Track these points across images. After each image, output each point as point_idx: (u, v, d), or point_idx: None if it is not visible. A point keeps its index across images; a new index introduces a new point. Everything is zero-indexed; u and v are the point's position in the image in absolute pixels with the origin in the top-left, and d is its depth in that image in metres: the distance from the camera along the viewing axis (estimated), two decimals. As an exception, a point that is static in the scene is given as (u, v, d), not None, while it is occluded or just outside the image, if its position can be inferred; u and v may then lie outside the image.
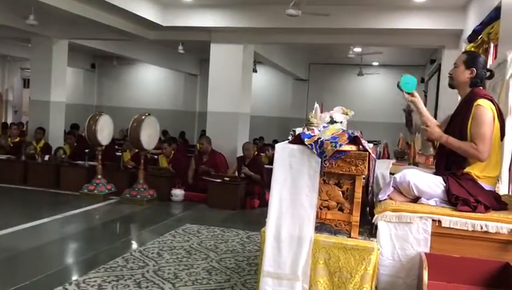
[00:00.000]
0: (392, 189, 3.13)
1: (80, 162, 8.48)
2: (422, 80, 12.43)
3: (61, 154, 8.61)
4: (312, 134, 2.97)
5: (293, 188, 2.83)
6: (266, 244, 2.80)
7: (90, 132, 7.69)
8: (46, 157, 8.64)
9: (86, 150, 8.61)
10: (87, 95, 16.87)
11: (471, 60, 3.16)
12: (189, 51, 12.19)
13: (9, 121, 15.01)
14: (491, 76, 3.24)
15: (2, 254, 4.68)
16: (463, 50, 6.62)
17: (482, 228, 2.79)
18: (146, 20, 8.13)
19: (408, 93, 3.29)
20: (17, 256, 4.68)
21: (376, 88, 14.64)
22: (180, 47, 11.00)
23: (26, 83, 15.76)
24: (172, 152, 8.51)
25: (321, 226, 2.94)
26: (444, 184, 2.99)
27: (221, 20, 8.33)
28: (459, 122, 3.10)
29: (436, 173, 3.17)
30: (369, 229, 3.09)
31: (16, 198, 7.61)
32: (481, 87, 3.15)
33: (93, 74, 16.95)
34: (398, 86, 3.31)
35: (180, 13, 8.45)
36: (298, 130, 3.38)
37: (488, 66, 3.48)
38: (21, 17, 7.92)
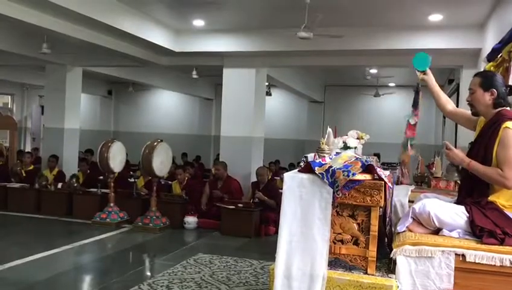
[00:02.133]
0: (411, 220, 2.91)
1: (92, 189, 8.41)
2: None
3: (73, 183, 8.54)
4: (323, 162, 2.80)
5: (304, 221, 2.65)
6: (276, 283, 2.62)
7: (102, 159, 7.63)
8: (60, 185, 8.58)
9: (100, 177, 8.54)
10: (104, 121, 17.00)
11: (488, 81, 2.96)
12: (203, 76, 12.18)
13: (27, 148, 15.15)
14: None
15: (15, 286, 4.60)
16: (482, 69, 6.41)
17: (511, 262, 2.56)
18: (159, 46, 8.12)
19: (421, 72, 3.16)
20: (28, 289, 4.60)
21: (393, 109, 14.40)
22: (194, 72, 10.98)
23: (43, 110, 15.92)
24: (186, 178, 8.38)
25: (335, 262, 2.74)
26: (467, 214, 2.77)
27: (233, 44, 8.28)
28: (484, 146, 2.88)
29: (457, 202, 2.96)
30: (387, 263, 2.88)
31: (29, 227, 7.54)
32: (507, 108, 2.94)
33: (110, 100, 17.10)
34: (413, 64, 3.22)
35: (192, 39, 8.42)
36: (310, 157, 3.21)
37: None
38: (35, 45, 7.97)
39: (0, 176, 8.96)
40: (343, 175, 2.60)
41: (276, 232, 7.16)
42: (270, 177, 8.95)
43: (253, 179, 8.27)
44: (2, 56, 9.19)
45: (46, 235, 6.94)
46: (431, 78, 3.17)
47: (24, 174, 9.14)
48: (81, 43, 7.62)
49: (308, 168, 2.74)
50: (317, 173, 2.66)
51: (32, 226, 7.62)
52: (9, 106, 16.58)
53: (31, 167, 9.40)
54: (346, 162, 2.72)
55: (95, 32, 7.32)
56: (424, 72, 3.17)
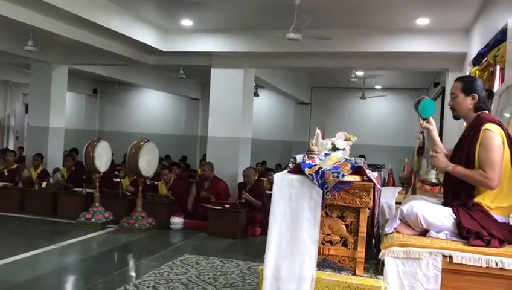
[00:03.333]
0: (399, 222, 2.94)
1: (77, 189, 8.31)
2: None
3: (58, 177, 8.45)
4: (313, 163, 2.81)
5: (293, 222, 2.65)
6: (264, 284, 2.61)
7: (88, 158, 7.55)
8: (44, 184, 8.48)
9: (84, 177, 8.45)
10: (89, 120, 16.82)
11: (469, 86, 3.01)
12: (190, 76, 12.13)
13: (11, 147, 14.93)
14: (492, 95, 3.10)
15: (-3, 287, 4.53)
16: (468, 73, 6.49)
17: (497, 264, 2.59)
18: (146, 45, 8.07)
19: (424, 119, 3.15)
20: (12, 289, 4.52)
21: (379, 111, 14.53)
22: (181, 72, 10.93)
23: (27, 109, 15.72)
24: (173, 178, 8.34)
25: (323, 263, 2.75)
26: (454, 216, 2.80)
27: (221, 45, 8.26)
28: (466, 148, 2.92)
29: (444, 204, 2.99)
30: (375, 264, 2.90)
31: (12, 227, 7.43)
32: (486, 111, 3.00)
33: (95, 99, 16.92)
34: (415, 108, 3.17)
35: (180, 38, 8.38)
36: (299, 158, 3.21)
37: (495, 90, 3.33)
38: (20, 43, 7.86)
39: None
40: (333, 176, 2.60)
41: (262, 233, 7.22)
42: (256, 178, 8.95)
43: (240, 179, 8.26)
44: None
45: (30, 235, 6.84)
46: (433, 127, 3.17)
47: (6, 173, 9.00)
48: (67, 41, 7.54)
49: (298, 169, 2.74)
50: (307, 174, 2.67)
51: (15, 225, 7.51)
52: (-8, 104, 16.34)
53: (14, 166, 9.25)
54: (336, 164, 2.73)
55: (82, 30, 7.24)
56: (427, 120, 3.16)
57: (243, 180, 8.04)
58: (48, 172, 9.08)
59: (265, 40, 7.91)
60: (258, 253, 6.00)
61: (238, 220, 7.16)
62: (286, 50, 7.76)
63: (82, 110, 16.78)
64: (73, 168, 9.09)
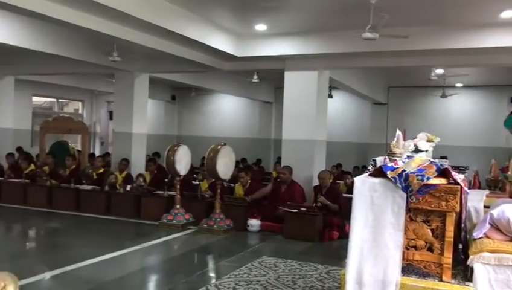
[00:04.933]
0: (488, 226, 2.79)
1: (159, 192, 8.67)
2: (512, 100, 11.58)
3: (141, 182, 8.87)
4: (395, 166, 2.74)
5: (376, 227, 2.60)
6: (346, 289, 2.58)
7: (169, 162, 7.86)
8: (128, 188, 8.93)
9: (166, 180, 8.80)
10: (168, 126, 17.50)
11: None
12: (263, 80, 12.25)
13: (96, 152, 15.89)
14: None
15: (89, 285, 4.83)
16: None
17: None
18: (221, 52, 8.26)
19: None
20: (100, 287, 4.82)
21: (460, 110, 13.84)
22: (255, 76, 11.06)
23: (111, 116, 16.64)
24: (249, 181, 8.46)
25: (408, 268, 2.67)
26: (551, 221, 2.62)
27: (295, 47, 8.26)
28: None
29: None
30: (463, 271, 2.77)
31: (100, 228, 7.87)
32: None
33: (174, 105, 17.59)
34: (504, 124, 3.02)
35: (254, 43, 8.50)
36: (379, 160, 3.14)
37: None
38: (105, 54, 8.35)
39: (72, 179, 9.43)
40: (417, 179, 2.52)
41: (340, 237, 7.11)
42: (332, 181, 8.85)
43: (315, 182, 8.20)
44: (74, 64, 9.72)
45: (116, 236, 7.23)
46: None
47: (95, 177, 9.57)
48: (147, 50, 7.89)
49: (380, 172, 2.68)
50: (389, 177, 2.60)
51: (102, 227, 7.96)
52: (80, 112, 17.47)
53: (101, 170, 9.82)
54: (420, 166, 2.64)
55: (162, 39, 7.55)
56: None
57: (318, 184, 7.98)
58: (131, 176, 9.55)
59: (340, 40, 7.80)
60: (336, 257, 5.96)
61: (314, 224, 7.12)
62: (361, 50, 7.60)
63: (162, 116, 17.48)
64: (155, 171, 9.50)
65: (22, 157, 10.61)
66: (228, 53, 8.37)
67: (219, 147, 7.53)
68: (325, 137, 9.23)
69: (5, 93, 11.69)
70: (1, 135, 11.60)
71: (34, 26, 7.74)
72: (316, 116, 8.68)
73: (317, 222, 7.16)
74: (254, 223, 7.56)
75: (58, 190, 9.27)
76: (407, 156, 2.97)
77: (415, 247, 2.63)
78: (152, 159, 10.09)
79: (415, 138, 3.47)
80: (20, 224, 7.41)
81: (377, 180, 2.67)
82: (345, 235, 6.51)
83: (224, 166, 7.50)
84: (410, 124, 12.73)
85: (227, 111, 16.89)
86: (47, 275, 5.10)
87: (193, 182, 9.61)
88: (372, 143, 14.21)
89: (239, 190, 8.45)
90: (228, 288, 4.67)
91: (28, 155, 10.90)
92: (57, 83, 13.73)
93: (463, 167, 6.70)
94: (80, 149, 11.15)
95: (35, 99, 15.68)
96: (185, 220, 7.75)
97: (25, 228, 7.67)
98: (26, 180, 9.67)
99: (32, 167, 10.24)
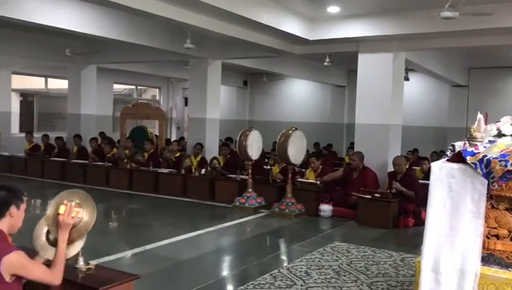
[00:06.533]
0: None
1: (232, 175, 8.86)
2: None
3: (215, 164, 9.12)
4: (476, 151, 2.61)
5: (454, 214, 2.50)
6: (422, 276, 2.51)
7: (241, 146, 8.01)
8: (203, 171, 9.20)
9: (237, 164, 8.96)
10: (239, 111, 17.76)
11: None
12: (335, 63, 12.03)
13: (173, 137, 16.49)
14: None
15: (166, 262, 5.10)
16: None
17: None
18: (293, 35, 8.21)
19: None
20: (177, 265, 5.07)
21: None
22: (327, 60, 10.88)
23: (187, 102, 17.19)
24: (321, 166, 8.40)
25: (488, 258, 2.55)
26: None
27: (369, 29, 8.03)
28: None
29: None
30: (551, 263, 2.60)
31: (177, 209, 8.21)
32: None
33: (245, 91, 17.80)
34: None
35: (326, 26, 8.35)
36: (458, 145, 3.01)
37: None
38: (180, 41, 8.59)
39: (151, 162, 9.85)
40: (500, 165, 2.39)
41: (416, 225, 6.90)
42: (408, 166, 8.57)
43: (390, 168, 7.98)
44: (151, 52, 10.12)
45: (191, 217, 7.51)
46: None
47: (174, 159, 9.95)
48: (220, 37, 8.02)
49: (459, 158, 2.57)
50: (469, 162, 2.49)
51: (179, 208, 8.28)
52: (157, 98, 18.18)
53: (178, 154, 10.19)
54: (504, 151, 2.50)
55: (234, 25, 7.64)
56: None
57: (393, 169, 7.77)
58: (206, 160, 9.82)
59: (417, 20, 7.47)
60: (412, 244, 5.81)
61: (389, 210, 6.96)
62: (440, 30, 7.24)
63: (234, 102, 17.77)
64: (229, 156, 9.71)
65: (105, 141, 11.25)
66: (300, 37, 8.30)
67: (290, 131, 7.54)
68: (400, 121, 8.94)
69: (88, 82, 12.42)
70: (85, 120, 12.36)
71: (113, 17, 8.14)
72: (391, 100, 8.41)
73: (392, 208, 6.99)
74: (326, 208, 7.53)
75: (137, 172, 9.75)
76: (489, 141, 2.81)
77: (497, 236, 2.51)
78: (225, 143, 10.30)
79: (498, 121, 3.28)
80: (103, 204, 7.89)
81: (455, 165, 2.56)
82: (420, 223, 6.30)
83: (296, 151, 7.50)
84: (493, 107, 11.95)
85: (298, 96, 16.82)
86: (128, 253, 5.42)
87: (264, 166, 9.71)
88: (450, 127, 13.57)
89: (310, 175, 8.43)
90: (300, 272, 4.71)
91: (111, 140, 11.53)
92: (136, 71, 14.40)
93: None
94: (157, 134, 11.59)
95: (116, 86, 16.53)
96: (257, 204, 7.88)
97: (108, 208, 8.16)
98: (109, 163, 10.26)
99: (115, 150, 10.82)
